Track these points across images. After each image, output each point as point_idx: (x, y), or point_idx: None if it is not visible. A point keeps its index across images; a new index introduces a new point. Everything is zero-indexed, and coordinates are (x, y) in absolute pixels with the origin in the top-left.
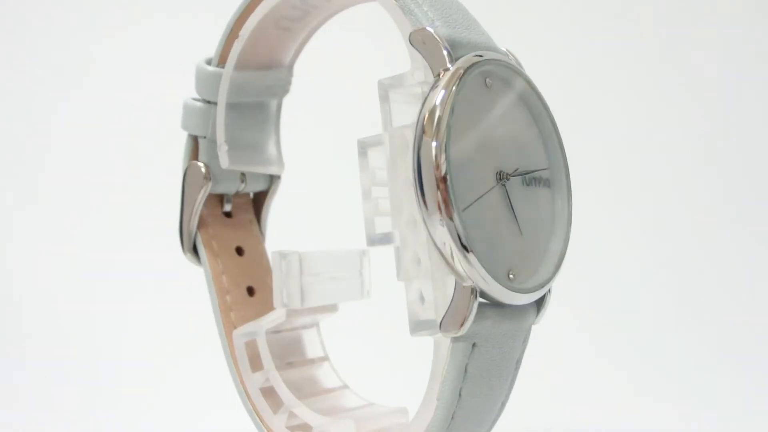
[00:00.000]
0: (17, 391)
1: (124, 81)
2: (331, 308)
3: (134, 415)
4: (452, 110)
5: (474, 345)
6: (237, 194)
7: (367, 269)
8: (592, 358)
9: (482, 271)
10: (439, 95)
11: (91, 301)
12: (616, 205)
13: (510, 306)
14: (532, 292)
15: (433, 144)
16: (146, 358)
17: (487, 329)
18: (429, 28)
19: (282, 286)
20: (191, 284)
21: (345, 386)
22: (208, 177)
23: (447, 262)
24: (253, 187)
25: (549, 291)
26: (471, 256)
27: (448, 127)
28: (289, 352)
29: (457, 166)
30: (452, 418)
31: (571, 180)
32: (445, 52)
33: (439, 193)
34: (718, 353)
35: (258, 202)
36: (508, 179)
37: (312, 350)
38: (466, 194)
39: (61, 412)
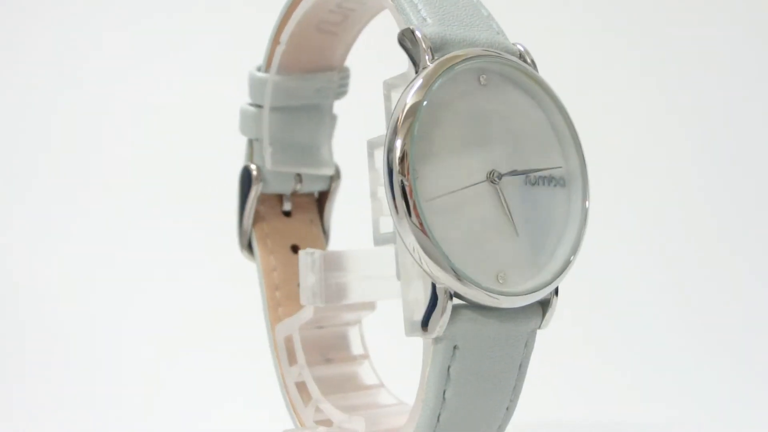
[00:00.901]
0: (17, 390)
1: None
2: (369, 306)
3: (134, 415)
4: (420, 109)
5: (455, 347)
6: (296, 194)
7: None
8: (591, 358)
9: (449, 273)
10: (409, 94)
11: (91, 300)
12: (615, 205)
13: (500, 309)
14: (523, 295)
15: (398, 143)
16: (146, 357)
17: (470, 332)
18: (413, 28)
19: (305, 284)
20: (192, 283)
21: (381, 385)
22: (258, 178)
23: (419, 264)
24: (311, 187)
25: (555, 295)
26: (439, 258)
27: (416, 125)
28: (331, 348)
29: (429, 166)
30: (438, 420)
31: (590, 180)
32: (424, 52)
33: (404, 194)
34: (718, 353)
35: (321, 202)
36: (500, 178)
37: (355, 347)
38: (439, 192)
39: (61, 411)
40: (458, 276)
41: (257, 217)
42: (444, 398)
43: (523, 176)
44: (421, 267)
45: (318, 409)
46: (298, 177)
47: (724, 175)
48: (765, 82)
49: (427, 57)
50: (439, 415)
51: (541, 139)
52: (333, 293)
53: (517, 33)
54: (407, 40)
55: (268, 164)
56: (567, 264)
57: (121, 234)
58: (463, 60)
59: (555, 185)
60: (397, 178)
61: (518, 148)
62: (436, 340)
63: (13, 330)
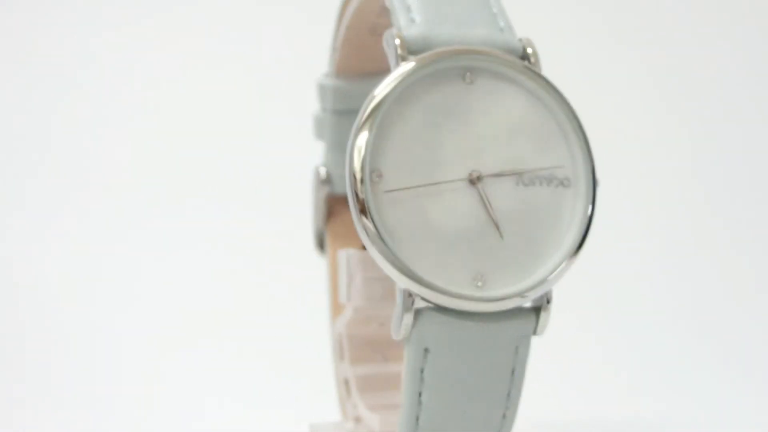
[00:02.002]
0: (15, 390)
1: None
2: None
3: (134, 415)
4: (384, 103)
5: (426, 350)
6: None
7: None
8: (592, 358)
9: (406, 275)
10: (379, 91)
11: (90, 299)
12: (615, 204)
13: (479, 313)
14: (504, 300)
15: (358, 141)
16: (145, 357)
17: (441, 335)
18: (394, 29)
19: (341, 283)
20: (193, 281)
21: None
22: (327, 180)
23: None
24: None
25: (547, 300)
26: (392, 259)
27: (377, 120)
28: (391, 346)
29: (387, 160)
30: (417, 422)
31: (597, 181)
32: (397, 52)
33: (356, 194)
34: (719, 353)
35: None
36: (479, 179)
37: None
38: (399, 186)
39: (61, 412)
40: (415, 279)
41: (331, 217)
42: (420, 401)
43: (514, 176)
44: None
45: (354, 405)
46: None
47: (728, 175)
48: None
49: (398, 57)
50: (417, 417)
51: (542, 138)
52: (371, 292)
53: (532, 32)
54: (386, 43)
55: (332, 167)
56: (558, 269)
57: (121, 234)
58: (442, 58)
59: (558, 185)
60: (351, 171)
61: (511, 148)
62: (407, 341)
63: (13, 330)
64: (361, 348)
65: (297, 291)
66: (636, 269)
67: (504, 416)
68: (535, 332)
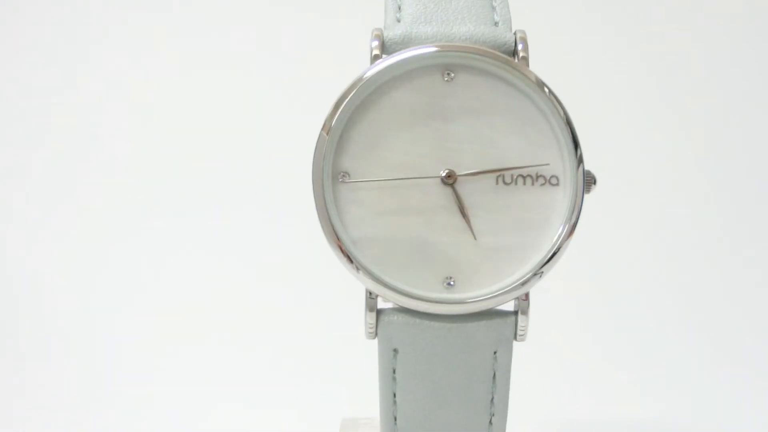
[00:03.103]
0: (14, 389)
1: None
2: None
3: (133, 415)
4: (348, 100)
5: (395, 350)
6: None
7: None
8: (591, 357)
9: (362, 272)
10: (345, 92)
11: (89, 299)
12: (614, 203)
13: (448, 315)
14: (473, 302)
15: (319, 141)
16: (145, 356)
17: (407, 336)
18: (376, 29)
19: None
20: (192, 283)
21: None
22: None
23: None
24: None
25: (526, 302)
26: (350, 255)
27: (338, 116)
28: None
29: (355, 166)
30: (395, 422)
31: (594, 180)
32: (372, 52)
33: (320, 193)
34: (720, 354)
35: None
36: (449, 177)
37: None
38: (359, 178)
39: (60, 411)
40: (375, 279)
41: None
42: (395, 401)
43: (494, 175)
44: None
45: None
46: None
47: (729, 175)
48: None
49: (373, 57)
50: (395, 418)
51: (526, 135)
52: None
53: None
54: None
55: None
56: (534, 271)
57: (121, 233)
58: (416, 57)
59: (544, 184)
60: (314, 170)
61: (491, 146)
62: (378, 341)
63: (12, 329)
64: None
65: (301, 291)
66: (635, 268)
67: (491, 423)
68: (515, 337)
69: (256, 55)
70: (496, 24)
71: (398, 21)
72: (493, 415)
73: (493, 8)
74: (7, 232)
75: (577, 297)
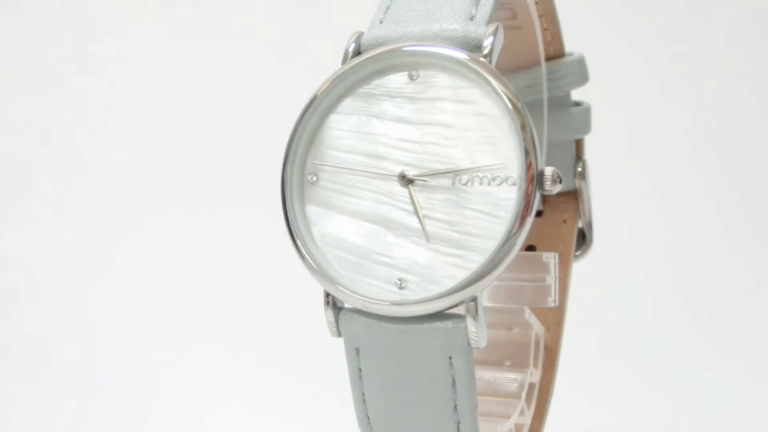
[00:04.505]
0: (14, 390)
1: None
2: (517, 311)
3: (133, 415)
4: (312, 107)
5: (357, 350)
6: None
7: (553, 275)
8: (592, 357)
9: (315, 272)
10: (314, 93)
11: (89, 299)
12: (615, 203)
13: (399, 317)
14: (421, 304)
15: (290, 142)
16: (144, 357)
17: (364, 336)
18: (355, 32)
19: None
20: (192, 283)
21: (519, 398)
22: None
23: None
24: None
25: (474, 305)
26: (307, 254)
27: (306, 124)
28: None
29: (312, 151)
30: (368, 421)
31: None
32: (346, 55)
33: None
34: (721, 354)
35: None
36: (404, 179)
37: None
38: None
39: (61, 411)
40: (327, 278)
41: None
42: (364, 400)
43: (450, 176)
44: None
45: None
46: None
47: (731, 174)
48: None
49: (344, 58)
50: (368, 417)
51: (487, 135)
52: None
53: None
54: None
55: None
56: (482, 274)
57: (120, 232)
58: (378, 58)
59: (501, 184)
60: (283, 170)
61: (451, 146)
62: (343, 339)
63: (11, 329)
64: (501, 352)
65: (301, 291)
66: (641, 272)
67: (459, 429)
68: (472, 342)
69: (257, 55)
70: (472, 18)
71: (380, 22)
72: (459, 422)
73: (477, 2)
74: (8, 236)
75: (578, 297)
